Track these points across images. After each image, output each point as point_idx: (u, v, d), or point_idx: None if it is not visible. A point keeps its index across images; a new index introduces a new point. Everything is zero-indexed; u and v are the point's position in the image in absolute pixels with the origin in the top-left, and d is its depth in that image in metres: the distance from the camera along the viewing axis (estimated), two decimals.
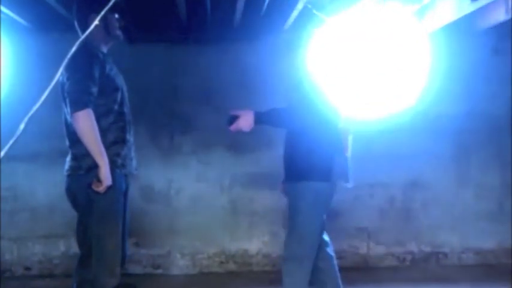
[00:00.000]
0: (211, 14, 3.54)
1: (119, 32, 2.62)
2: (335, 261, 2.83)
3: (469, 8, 3.14)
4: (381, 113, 4.16)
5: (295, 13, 3.48)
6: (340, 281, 2.84)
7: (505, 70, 4.12)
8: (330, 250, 2.81)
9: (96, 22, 1.70)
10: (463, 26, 3.61)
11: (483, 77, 4.18)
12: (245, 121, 2.50)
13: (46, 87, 1.41)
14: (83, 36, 1.50)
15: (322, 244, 2.74)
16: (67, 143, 2.55)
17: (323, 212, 2.68)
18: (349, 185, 2.70)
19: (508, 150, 4.21)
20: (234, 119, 2.51)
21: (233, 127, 2.51)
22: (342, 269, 4.12)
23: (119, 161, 2.52)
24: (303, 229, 2.62)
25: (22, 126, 1.34)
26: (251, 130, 2.53)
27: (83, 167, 2.45)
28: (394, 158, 4.16)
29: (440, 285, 3.78)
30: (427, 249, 4.26)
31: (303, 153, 2.60)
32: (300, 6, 3.30)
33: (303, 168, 2.59)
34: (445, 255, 4.27)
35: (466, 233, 4.25)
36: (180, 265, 4.14)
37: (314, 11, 3.35)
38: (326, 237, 2.81)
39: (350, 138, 2.73)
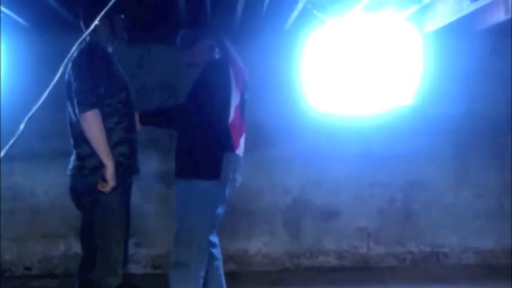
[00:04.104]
0: (211, 14, 3.55)
1: (124, 34, 2.64)
2: (221, 263, 2.77)
3: (469, 8, 3.14)
4: (376, 111, 4.18)
5: (295, 13, 3.48)
6: (224, 282, 2.78)
7: (504, 70, 4.12)
8: (217, 252, 2.75)
9: (96, 22, 1.70)
10: (463, 26, 3.62)
11: (482, 77, 4.18)
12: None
13: (46, 87, 1.41)
14: (83, 36, 1.50)
15: (208, 245, 2.68)
16: (71, 142, 2.55)
17: (211, 212, 2.61)
18: (237, 183, 2.67)
19: (508, 150, 4.21)
20: None
21: None
22: (342, 268, 4.18)
23: (124, 161, 2.53)
24: (189, 232, 2.56)
25: (22, 126, 1.34)
26: (142, 128, 2.69)
27: (87, 167, 2.46)
28: (394, 158, 4.16)
29: (440, 285, 3.78)
30: (427, 249, 4.26)
31: (190, 150, 2.57)
32: (300, 6, 3.30)
33: (190, 165, 2.56)
34: (445, 255, 4.27)
35: (466, 233, 4.25)
36: None
37: (314, 12, 3.36)
38: (214, 238, 2.75)
39: (243, 137, 2.70)
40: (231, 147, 2.60)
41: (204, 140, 2.56)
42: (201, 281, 2.62)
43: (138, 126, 2.67)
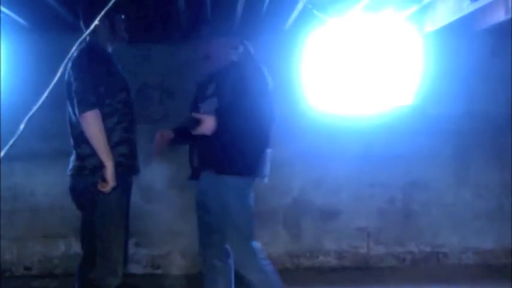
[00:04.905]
0: (211, 14, 3.55)
1: (124, 34, 2.64)
2: (232, 261, 2.83)
3: (469, 8, 3.14)
4: (376, 111, 4.18)
5: (295, 13, 3.48)
6: (233, 282, 2.84)
7: (504, 70, 4.11)
8: (229, 249, 2.82)
9: (96, 22, 1.70)
10: (463, 26, 3.62)
11: (482, 77, 4.18)
12: (208, 125, 2.56)
13: (46, 87, 1.41)
14: (83, 36, 1.50)
15: (216, 242, 2.76)
16: (71, 142, 2.55)
17: (250, 206, 2.70)
18: (265, 180, 2.75)
19: (508, 150, 4.21)
20: (196, 122, 2.56)
21: (196, 131, 2.56)
22: (342, 268, 4.18)
23: (124, 161, 2.53)
24: (238, 226, 2.66)
25: (22, 126, 1.34)
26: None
27: (87, 167, 2.46)
28: (394, 158, 4.16)
29: (440, 285, 3.78)
30: (427, 249, 4.26)
31: (231, 147, 2.60)
32: (300, 6, 3.30)
33: (230, 162, 2.60)
34: (445, 255, 4.27)
35: (466, 233, 4.25)
36: (180, 265, 4.14)
37: (314, 12, 3.36)
38: None
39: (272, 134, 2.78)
40: (268, 146, 2.70)
41: (247, 139, 2.61)
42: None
43: (212, 129, 2.54)
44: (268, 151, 2.72)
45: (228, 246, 2.80)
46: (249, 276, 2.70)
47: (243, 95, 2.57)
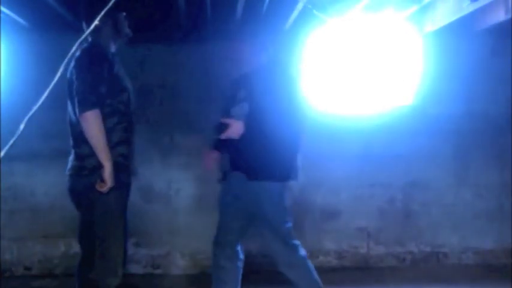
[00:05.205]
0: (211, 13, 3.54)
1: (127, 31, 2.64)
2: (242, 264, 2.88)
3: (469, 8, 3.14)
4: (376, 111, 4.18)
5: (295, 13, 3.48)
6: (239, 284, 2.88)
7: (504, 70, 4.12)
8: (242, 254, 2.87)
9: (96, 22, 1.70)
10: (463, 26, 3.62)
11: (482, 77, 4.18)
12: (236, 129, 2.59)
13: (46, 87, 1.41)
14: (83, 36, 1.50)
15: (230, 243, 2.80)
16: (71, 142, 2.55)
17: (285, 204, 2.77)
18: (297, 181, 2.82)
19: (508, 150, 4.21)
20: (224, 127, 2.59)
21: (224, 135, 2.59)
22: (342, 268, 4.18)
23: (123, 162, 2.52)
24: (278, 228, 2.74)
25: (22, 126, 1.34)
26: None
27: (86, 167, 2.46)
28: (394, 158, 4.16)
29: (440, 285, 3.78)
30: (427, 249, 4.26)
31: (262, 152, 2.62)
32: (300, 6, 3.30)
33: (261, 167, 2.63)
34: (445, 255, 4.27)
35: (466, 233, 4.25)
36: (180, 265, 4.14)
37: (314, 12, 3.36)
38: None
39: (303, 137, 2.83)
40: (299, 151, 2.77)
41: (278, 143, 2.64)
42: None
43: (240, 133, 2.61)
44: (299, 155, 2.77)
45: (239, 249, 2.84)
46: (289, 274, 2.78)
47: (272, 100, 2.59)
